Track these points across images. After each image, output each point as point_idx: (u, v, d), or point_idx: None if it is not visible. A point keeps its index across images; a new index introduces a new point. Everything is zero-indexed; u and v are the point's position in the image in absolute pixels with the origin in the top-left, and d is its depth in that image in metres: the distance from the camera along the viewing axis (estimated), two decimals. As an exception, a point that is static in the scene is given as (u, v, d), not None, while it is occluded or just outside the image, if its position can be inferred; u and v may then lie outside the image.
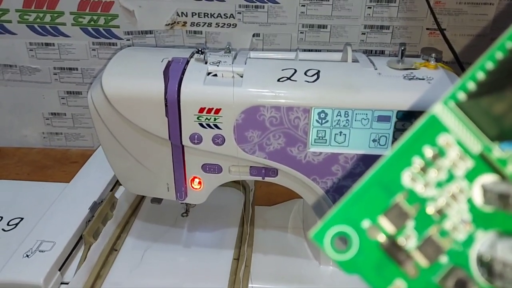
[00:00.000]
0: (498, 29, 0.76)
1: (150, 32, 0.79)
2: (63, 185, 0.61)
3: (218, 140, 0.44)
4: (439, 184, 0.18)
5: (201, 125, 0.43)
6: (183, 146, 0.45)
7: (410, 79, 0.43)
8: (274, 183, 0.47)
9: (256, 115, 0.42)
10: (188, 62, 0.45)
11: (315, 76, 0.43)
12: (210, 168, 0.46)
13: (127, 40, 0.79)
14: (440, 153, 0.18)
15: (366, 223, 0.17)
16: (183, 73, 0.43)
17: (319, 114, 0.43)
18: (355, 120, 0.43)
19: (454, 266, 0.17)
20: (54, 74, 0.82)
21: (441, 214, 0.17)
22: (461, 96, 0.18)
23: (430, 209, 0.17)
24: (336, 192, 0.45)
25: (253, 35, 0.78)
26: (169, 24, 0.78)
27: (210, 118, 0.43)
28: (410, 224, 0.17)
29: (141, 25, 0.78)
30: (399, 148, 0.19)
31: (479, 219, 0.17)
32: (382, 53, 0.80)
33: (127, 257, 0.51)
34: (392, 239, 0.17)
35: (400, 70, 0.45)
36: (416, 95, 0.42)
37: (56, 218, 0.52)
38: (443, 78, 0.43)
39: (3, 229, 0.55)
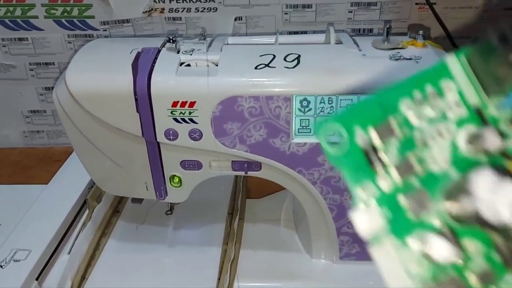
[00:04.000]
0: (490, 0, 0.72)
1: (128, 21, 0.75)
2: (43, 187, 0.58)
3: (195, 135, 0.41)
4: (431, 121, 0.20)
5: (176, 120, 0.40)
6: (158, 143, 0.42)
7: (396, 59, 0.40)
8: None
9: (234, 106, 0.40)
10: (159, 52, 0.42)
11: (295, 61, 0.40)
12: (190, 165, 0.43)
13: (103, 30, 0.75)
14: (439, 94, 0.20)
15: (358, 129, 0.20)
16: (153, 64, 0.40)
17: (301, 102, 0.40)
18: (340, 107, 0.40)
19: (421, 189, 0.20)
20: (30, 70, 0.79)
21: (424, 144, 0.20)
22: (473, 53, 0.20)
23: (416, 136, 0.20)
24: (324, 183, 0.43)
25: (235, 19, 0.75)
26: (146, 11, 0.74)
27: (185, 112, 0.40)
28: (394, 143, 0.20)
29: (118, 14, 0.74)
30: (405, 80, 0.22)
31: (457, 160, 0.20)
32: (370, 31, 0.76)
33: (109, 261, 0.48)
34: (375, 149, 0.20)
35: (386, 50, 0.41)
36: (403, 76, 0.39)
37: (32, 224, 0.50)
38: (431, 57, 0.40)
39: (-22, 238, 0.52)
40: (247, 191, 0.59)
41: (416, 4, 0.73)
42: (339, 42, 0.44)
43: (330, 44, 0.44)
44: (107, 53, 0.43)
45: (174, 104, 0.39)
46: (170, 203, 0.51)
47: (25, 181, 0.71)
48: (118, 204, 0.56)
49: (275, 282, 0.46)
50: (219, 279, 0.45)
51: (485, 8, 0.73)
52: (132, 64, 0.40)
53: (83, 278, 0.46)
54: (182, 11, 0.74)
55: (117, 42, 0.47)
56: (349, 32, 0.69)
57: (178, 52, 0.42)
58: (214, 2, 0.73)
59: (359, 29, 0.77)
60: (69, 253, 0.49)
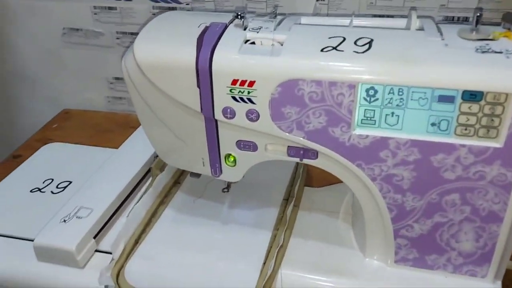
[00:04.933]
0: None
1: (210, -4, 0.75)
2: (113, 151, 0.61)
3: (252, 116, 0.40)
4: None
5: (234, 98, 0.39)
6: (216, 120, 0.42)
7: (483, 52, 0.35)
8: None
9: (295, 90, 0.38)
10: (226, 27, 0.41)
11: (367, 46, 0.37)
12: (245, 145, 0.43)
13: (186, 4, 0.76)
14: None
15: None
16: (218, 40, 0.40)
17: (367, 90, 0.37)
18: (411, 99, 0.36)
19: None
20: (117, 38, 0.82)
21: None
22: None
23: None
24: (384, 181, 0.40)
25: (317, 0, 0.72)
26: (228, -14, 0.74)
27: (244, 91, 0.39)
28: None
29: (201, -12, 0.74)
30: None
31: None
32: (466, 19, 0.69)
33: (163, 229, 0.50)
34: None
35: (474, 41, 0.37)
36: (489, 71, 0.34)
37: (98, 184, 0.52)
38: (527, 51, 0.35)
39: (52, 192, 0.56)
40: (308, 179, 0.57)
41: (523, -9, 0.65)
42: (421, 28, 0.40)
43: (410, 30, 0.40)
44: (176, 26, 0.43)
45: (234, 82, 0.39)
46: (227, 181, 0.51)
47: (104, 144, 0.75)
48: (180, 176, 0.57)
49: (322, 275, 0.44)
50: (264, 263, 0.44)
51: None
52: (197, 38, 0.40)
53: (136, 242, 0.48)
54: (264, -12, 0.73)
55: (189, 15, 0.47)
56: (435, 20, 0.63)
57: (245, 29, 0.41)
58: (297, -20, 0.71)
59: (453, 17, 0.70)
60: (127, 216, 0.51)
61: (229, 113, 0.40)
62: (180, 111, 0.42)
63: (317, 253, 0.46)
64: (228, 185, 0.53)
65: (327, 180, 0.57)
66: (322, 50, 0.37)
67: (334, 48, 0.38)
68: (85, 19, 0.81)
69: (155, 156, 0.58)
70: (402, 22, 0.44)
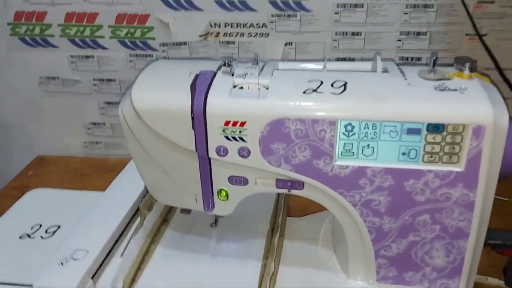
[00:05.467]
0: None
1: (185, 43, 0.80)
2: (99, 194, 0.63)
3: (244, 153, 0.44)
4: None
5: (227, 137, 0.43)
6: (209, 158, 0.45)
7: (442, 90, 0.41)
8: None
9: (281, 128, 0.42)
10: (215, 74, 0.46)
11: (342, 88, 0.43)
12: (237, 180, 0.46)
13: (162, 51, 0.81)
14: None
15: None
16: (209, 86, 0.44)
17: (345, 126, 0.42)
18: (383, 133, 0.42)
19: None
20: (94, 85, 0.85)
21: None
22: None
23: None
24: (364, 206, 0.44)
25: (286, 44, 0.78)
26: (202, 35, 0.79)
27: (236, 130, 0.43)
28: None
29: (176, 36, 0.79)
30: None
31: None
32: (418, 59, 0.77)
33: (157, 266, 0.52)
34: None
35: (432, 80, 0.43)
36: (448, 106, 0.40)
37: (90, 226, 0.54)
38: (477, 89, 0.41)
39: (41, 237, 0.57)
40: (288, 210, 0.61)
41: (467, 35, 0.74)
42: (385, 70, 0.46)
43: (376, 72, 0.46)
44: (169, 75, 0.47)
45: (226, 123, 0.43)
46: (215, 216, 0.54)
47: (84, 187, 0.77)
48: (167, 214, 0.60)
49: (312, 298, 0.47)
50: (259, 291, 0.47)
51: (538, 40, 0.72)
52: (191, 86, 0.44)
53: (133, 280, 0.49)
54: (235, 36, 0.79)
55: (177, 64, 0.51)
56: (396, 61, 0.70)
57: (233, 75, 0.45)
58: (266, 27, 0.77)
59: (407, 57, 0.78)
60: (121, 256, 0.52)
61: (222, 151, 0.44)
62: (175, 152, 0.46)
63: (305, 278, 0.50)
64: (216, 220, 0.56)
65: (305, 210, 0.62)
66: (304, 92, 0.42)
67: (314, 90, 0.43)
68: (62, 68, 0.84)
69: (143, 196, 0.60)
70: (367, 65, 0.50)
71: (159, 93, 0.44)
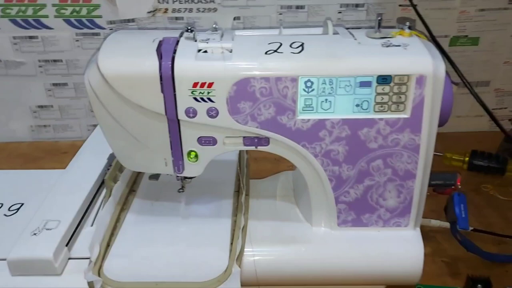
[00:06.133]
0: (466, 1, 0.80)
1: (133, 20, 0.80)
2: (60, 171, 0.63)
3: (213, 113, 0.46)
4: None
5: (195, 99, 0.46)
6: (178, 121, 0.47)
7: (387, 46, 0.46)
8: (264, 154, 0.50)
9: (247, 87, 0.45)
10: (178, 42, 0.48)
11: (300, 48, 0.46)
12: (206, 141, 0.49)
13: (110, 29, 0.80)
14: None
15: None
16: (174, 52, 0.46)
17: (305, 83, 0.46)
18: (339, 87, 0.46)
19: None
20: (39, 67, 0.83)
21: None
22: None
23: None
24: (324, 156, 0.49)
25: (234, 18, 0.81)
26: (151, 11, 0.79)
27: (204, 92, 0.45)
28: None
29: (123, 13, 0.79)
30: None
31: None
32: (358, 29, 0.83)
33: (130, 231, 0.53)
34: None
35: (378, 39, 0.48)
36: (394, 60, 0.45)
37: (58, 199, 0.54)
38: (417, 44, 0.46)
39: (4, 215, 0.56)
40: (250, 173, 0.65)
41: (400, 5, 0.81)
42: (336, 33, 0.50)
43: (328, 35, 0.50)
44: (132, 42, 0.48)
45: (195, 85, 0.45)
46: (182, 182, 0.56)
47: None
48: (133, 184, 0.61)
49: (281, 247, 0.51)
50: (231, 243, 0.51)
51: (461, 9, 0.81)
52: (156, 50, 0.46)
53: (108, 245, 0.51)
54: (184, 11, 0.80)
55: (137, 33, 0.53)
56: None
57: (195, 41, 0.48)
58: (214, 2, 0.79)
59: (347, 28, 0.83)
60: (91, 225, 0.53)
61: (192, 113, 0.46)
62: (144, 117, 0.47)
63: (273, 230, 0.54)
64: (183, 186, 0.58)
65: (262, 172, 0.66)
66: (266, 53, 0.46)
67: (275, 51, 0.46)
68: (4, 50, 0.81)
69: (107, 168, 0.61)
70: (317, 31, 0.54)
71: (126, 58, 0.46)
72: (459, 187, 0.55)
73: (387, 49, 0.46)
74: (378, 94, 0.46)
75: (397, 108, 0.47)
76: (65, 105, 0.87)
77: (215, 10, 0.80)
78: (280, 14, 0.81)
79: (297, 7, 0.80)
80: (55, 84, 0.85)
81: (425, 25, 0.67)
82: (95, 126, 0.88)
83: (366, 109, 0.47)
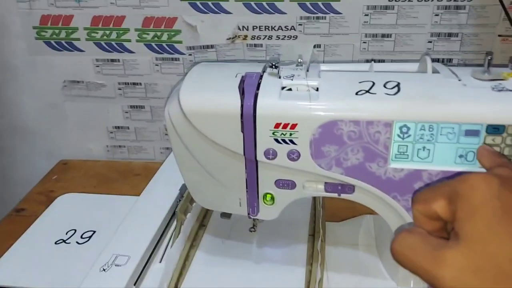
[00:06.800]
0: None
1: (212, 46, 0.79)
2: (133, 198, 0.62)
3: (293, 156, 0.43)
4: None
5: (277, 140, 0.42)
6: (257, 161, 0.44)
7: (499, 90, 0.40)
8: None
9: (334, 130, 0.41)
10: (261, 76, 0.45)
11: (396, 89, 0.42)
12: (284, 184, 0.45)
13: (189, 55, 0.80)
14: None
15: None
16: (257, 88, 0.43)
17: (401, 128, 0.41)
18: (440, 134, 0.41)
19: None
20: (118, 89, 0.85)
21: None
22: None
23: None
24: (418, 209, 0.43)
25: (314, 46, 0.77)
26: (230, 38, 0.78)
27: (286, 133, 0.42)
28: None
29: (203, 39, 0.79)
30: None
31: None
32: (449, 61, 0.76)
33: (199, 272, 0.51)
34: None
35: (487, 81, 0.42)
36: (508, 107, 0.39)
37: (129, 231, 0.53)
38: (536, 89, 0.40)
39: (77, 242, 0.56)
40: (326, 215, 0.60)
41: (499, 35, 0.73)
42: (435, 71, 0.45)
43: (427, 73, 0.45)
44: (214, 76, 0.46)
45: (277, 125, 0.42)
46: (254, 221, 0.53)
47: (109, 192, 0.76)
48: (203, 219, 0.59)
49: (362, 305, 0.46)
50: (307, 298, 0.46)
51: None
52: (238, 87, 0.43)
53: (176, 286, 0.48)
54: (263, 39, 0.78)
55: (220, 66, 0.50)
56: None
57: (279, 77, 0.44)
58: (294, 30, 0.76)
59: (438, 59, 0.77)
60: (160, 261, 0.51)
61: (271, 154, 0.43)
62: (221, 154, 0.45)
63: (353, 285, 0.48)
64: (254, 225, 0.55)
65: (339, 215, 0.61)
66: (357, 94, 0.41)
67: (367, 91, 0.42)
68: (87, 72, 0.83)
69: (178, 200, 0.59)
70: (414, 66, 0.49)
71: (207, 94, 0.43)
72: None
73: (498, 94, 0.40)
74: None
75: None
76: (141, 127, 0.88)
77: (295, 37, 0.77)
78: (364, 43, 0.76)
79: (383, 35, 0.75)
80: (132, 107, 0.86)
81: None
82: (167, 149, 0.89)
83: (472, 161, 0.41)
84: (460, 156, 0.41)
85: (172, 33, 0.79)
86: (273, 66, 0.45)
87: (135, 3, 0.76)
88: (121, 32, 0.79)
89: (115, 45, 0.81)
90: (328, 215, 0.60)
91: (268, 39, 0.78)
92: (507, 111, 0.39)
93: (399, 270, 0.47)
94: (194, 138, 0.44)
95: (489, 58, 0.42)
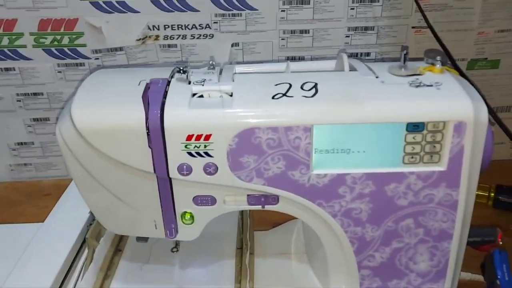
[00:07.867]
0: (485, 21, 0.73)
1: (120, 49, 0.73)
2: (37, 226, 0.55)
3: (210, 169, 0.39)
4: None
5: (190, 154, 0.38)
6: (170, 179, 0.40)
7: (416, 86, 0.39)
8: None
9: (251, 138, 0.38)
10: (169, 83, 0.40)
11: (313, 90, 0.39)
12: (203, 200, 0.41)
13: (95, 59, 0.73)
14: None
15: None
16: (164, 96, 0.38)
17: (320, 132, 0.38)
18: (361, 136, 0.38)
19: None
20: (17, 101, 0.76)
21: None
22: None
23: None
24: (345, 215, 0.41)
25: (232, 45, 0.74)
26: (140, 39, 0.72)
27: (200, 145, 0.38)
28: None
29: (110, 42, 0.72)
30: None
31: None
32: (367, 55, 0.76)
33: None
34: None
35: (404, 76, 0.40)
36: (426, 104, 0.38)
37: (31, 265, 0.46)
38: (452, 83, 0.39)
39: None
40: (253, 223, 0.57)
41: (413, 27, 0.74)
42: (353, 68, 0.43)
43: (345, 72, 0.43)
44: (113, 85, 0.41)
45: (189, 137, 0.37)
46: (176, 240, 0.48)
47: (14, 218, 0.68)
48: (119, 243, 0.53)
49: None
50: (236, 321, 0.43)
51: (479, 30, 0.74)
52: (142, 97, 0.38)
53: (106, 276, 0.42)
54: (177, 38, 0.73)
55: (120, 73, 0.45)
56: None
57: (189, 83, 0.40)
58: (210, 28, 0.72)
59: (357, 53, 0.76)
60: (70, 298, 0.45)
61: (185, 170, 0.39)
62: (128, 174, 0.40)
63: (284, 299, 0.46)
64: (177, 244, 0.50)
65: (269, 221, 0.58)
66: (273, 98, 0.38)
67: (284, 94, 0.38)
68: (-22, 84, 0.73)
69: (89, 224, 0.53)
70: (331, 64, 0.47)
71: (105, 108, 0.38)
72: (500, 243, 0.47)
73: (417, 90, 0.39)
74: (408, 143, 0.39)
75: (431, 160, 0.39)
76: (48, 142, 0.79)
77: (211, 36, 0.73)
78: (283, 39, 0.74)
79: (301, 31, 0.73)
80: (36, 120, 0.78)
81: (445, 49, 0.59)
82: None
83: (395, 160, 0.39)
84: (383, 156, 0.39)
85: (74, 36, 0.71)
86: (181, 71, 0.40)
87: (28, 5, 0.68)
88: (13, 37, 0.70)
89: (8, 52, 0.72)
90: (258, 222, 0.57)
91: (182, 38, 0.73)
92: (425, 107, 0.38)
93: (329, 277, 0.45)
94: (94, 159, 0.39)
95: (404, 52, 0.41)
